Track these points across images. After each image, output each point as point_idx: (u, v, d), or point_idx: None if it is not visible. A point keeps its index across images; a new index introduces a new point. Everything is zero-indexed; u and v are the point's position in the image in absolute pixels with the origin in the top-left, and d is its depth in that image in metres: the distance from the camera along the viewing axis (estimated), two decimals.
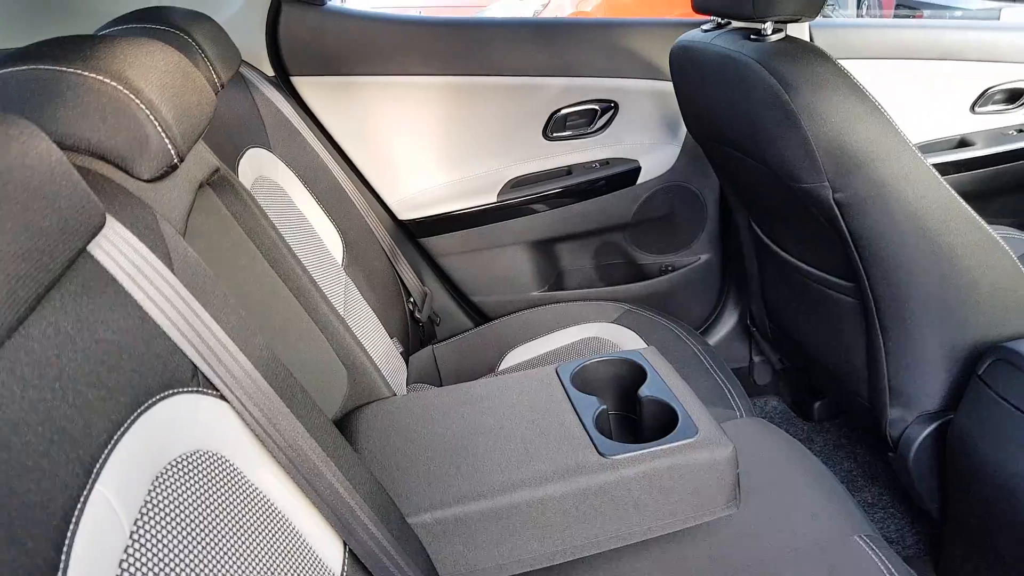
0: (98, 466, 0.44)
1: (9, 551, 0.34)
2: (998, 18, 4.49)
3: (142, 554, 0.45)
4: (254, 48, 1.52)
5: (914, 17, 5.33)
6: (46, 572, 0.36)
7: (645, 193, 1.74)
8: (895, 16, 5.78)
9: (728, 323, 1.87)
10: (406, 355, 1.48)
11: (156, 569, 0.46)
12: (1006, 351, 1.08)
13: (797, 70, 1.05)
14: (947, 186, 1.08)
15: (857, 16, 6.45)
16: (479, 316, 1.82)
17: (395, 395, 1.07)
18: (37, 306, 0.44)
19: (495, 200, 1.70)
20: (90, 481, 0.43)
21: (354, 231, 1.43)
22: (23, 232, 0.40)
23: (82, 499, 0.41)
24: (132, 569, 0.44)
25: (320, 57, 1.58)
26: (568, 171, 1.72)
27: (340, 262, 1.36)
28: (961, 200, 1.09)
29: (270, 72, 1.55)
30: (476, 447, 0.89)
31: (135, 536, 0.46)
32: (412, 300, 1.59)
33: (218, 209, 0.89)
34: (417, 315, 1.59)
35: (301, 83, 1.58)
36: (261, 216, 0.96)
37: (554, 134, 1.71)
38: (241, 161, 1.16)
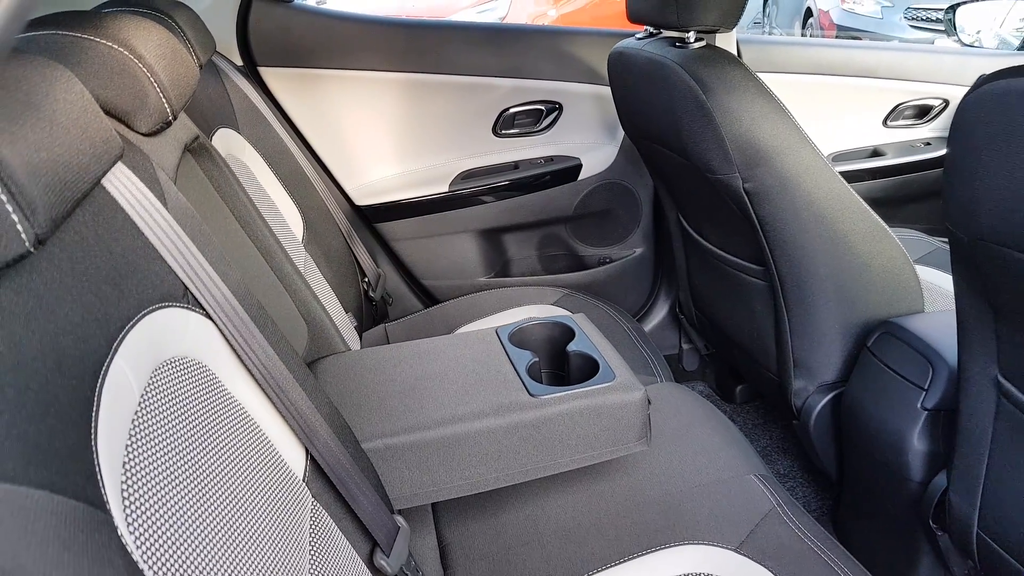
0: (115, 344, 0.55)
1: (62, 379, 0.45)
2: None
3: (146, 421, 0.56)
4: (225, 39, 1.62)
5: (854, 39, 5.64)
6: (85, 403, 0.47)
7: (586, 189, 1.89)
8: (836, 38, 6.09)
9: (660, 312, 2.02)
10: (360, 331, 1.58)
11: (155, 435, 0.56)
12: (892, 326, 1.24)
13: (713, 74, 1.20)
14: (842, 179, 1.24)
15: (802, 36, 6.77)
16: (429, 299, 1.93)
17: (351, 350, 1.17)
18: (72, 213, 0.55)
19: (447, 190, 1.82)
20: (110, 353, 0.53)
21: (314, 211, 1.54)
22: (69, 148, 0.51)
23: (106, 363, 0.52)
24: (138, 429, 0.55)
25: (286, 50, 1.68)
26: (515, 166, 1.86)
27: (300, 239, 1.47)
28: (854, 192, 1.25)
29: (239, 62, 1.65)
30: (422, 389, 1.01)
31: (141, 406, 0.56)
32: (367, 280, 1.70)
33: (197, 173, 1.00)
34: (371, 294, 1.70)
35: (268, 73, 1.69)
36: (235, 182, 1.06)
37: (503, 131, 1.84)
38: (213, 139, 1.26)
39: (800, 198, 1.22)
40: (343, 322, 1.38)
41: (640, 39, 1.45)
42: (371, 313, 1.71)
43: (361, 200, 1.80)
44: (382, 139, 1.79)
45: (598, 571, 0.93)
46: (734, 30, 1.60)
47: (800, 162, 1.21)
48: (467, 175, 1.83)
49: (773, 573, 0.90)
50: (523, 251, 1.96)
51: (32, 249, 0.44)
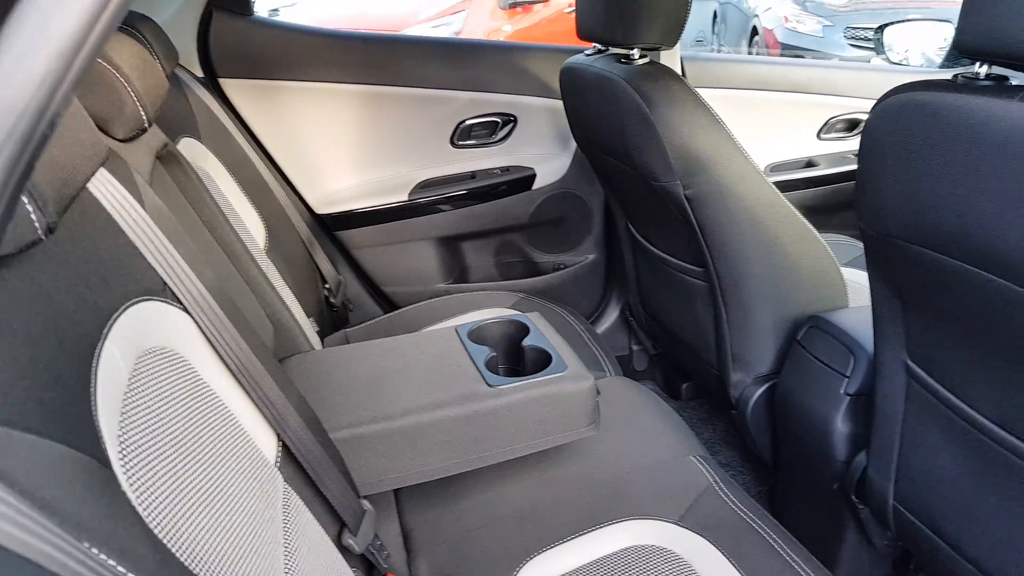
0: (105, 331, 0.60)
1: (64, 356, 0.51)
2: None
3: (135, 402, 0.62)
4: (186, 51, 1.67)
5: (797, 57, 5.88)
6: (85, 379, 0.53)
7: (540, 198, 1.97)
8: (781, 56, 6.33)
9: (611, 315, 2.11)
10: (321, 336, 1.63)
11: (143, 415, 0.62)
12: (819, 320, 1.34)
13: (656, 88, 1.30)
14: (773, 187, 1.34)
15: (748, 53, 7.02)
16: (389, 305, 1.99)
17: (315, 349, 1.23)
18: (67, 210, 0.60)
19: (406, 199, 1.89)
20: (102, 338, 0.59)
21: (275, 219, 1.59)
22: (66, 150, 0.57)
23: (99, 347, 0.58)
24: (128, 408, 0.60)
25: (247, 62, 1.74)
26: (472, 175, 1.93)
27: (263, 246, 1.52)
28: (784, 199, 1.35)
29: (200, 73, 1.69)
30: (386, 383, 1.07)
31: (129, 388, 0.62)
32: (328, 287, 1.75)
33: (167, 179, 1.05)
34: (332, 300, 1.75)
35: (228, 85, 1.74)
36: (202, 188, 1.12)
37: (460, 142, 1.92)
38: (178, 147, 1.31)
39: (735, 204, 1.32)
40: (306, 325, 1.44)
41: (589, 55, 1.55)
42: (332, 319, 1.76)
43: (321, 209, 1.85)
44: (342, 149, 1.85)
45: (551, 547, 1.01)
46: (677, 47, 1.71)
47: (735, 170, 1.31)
48: (425, 184, 1.90)
49: (710, 542, 0.98)
50: (480, 258, 2.04)
51: (44, 236, 0.50)
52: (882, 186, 0.88)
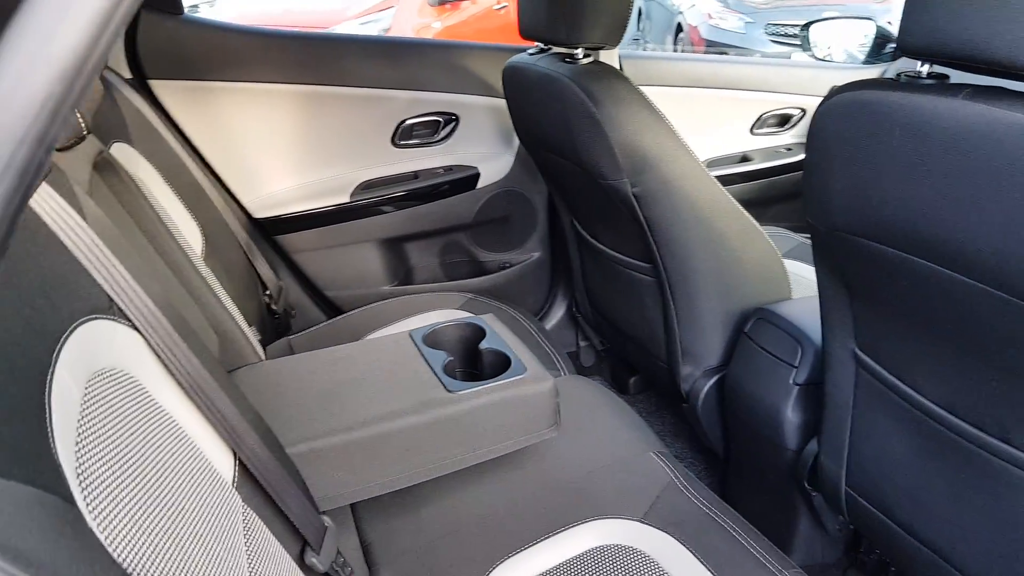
0: (55, 355, 0.56)
1: (16, 386, 0.47)
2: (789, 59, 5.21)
3: (88, 429, 0.58)
4: (113, 52, 1.59)
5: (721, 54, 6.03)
6: (40, 410, 0.49)
7: (484, 197, 1.96)
8: (705, 53, 6.48)
9: (558, 313, 2.12)
10: (263, 344, 1.58)
11: (97, 443, 0.58)
12: (765, 312, 1.37)
13: (601, 87, 1.30)
14: (717, 183, 1.36)
15: (674, 51, 7.16)
16: (333, 310, 1.95)
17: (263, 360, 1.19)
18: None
19: (347, 201, 1.85)
20: (51, 363, 0.55)
21: (212, 225, 1.53)
22: (7, 167, 0.53)
23: (50, 373, 0.54)
24: (83, 437, 0.57)
25: (177, 62, 1.66)
26: (415, 175, 1.91)
27: (200, 253, 1.46)
28: (728, 194, 1.38)
29: (128, 75, 1.62)
30: (341, 394, 1.04)
31: (81, 415, 0.58)
32: (268, 293, 1.70)
33: (103, 188, 0.99)
34: (273, 307, 1.70)
35: (158, 86, 1.66)
36: (140, 196, 1.06)
37: (401, 142, 1.89)
38: (111, 153, 1.25)
39: (681, 200, 1.33)
40: (250, 334, 1.39)
41: (532, 54, 1.54)
42: (274, 326, 1.71)
43: (259, 213, 1.80)
44: (279, 151, 1.80)
45: (518, 551, 1.00)
46: (617, 46, 1.72)
47: (680, 167, 1.33)
48: (367, 185, 1.87)
49: (675, 538, 0.99)
50: (425, 259, 2.02)
51: None
52: (829, 182, 0.90)
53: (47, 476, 0.44)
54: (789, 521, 1.35)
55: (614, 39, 1.38)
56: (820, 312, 1.08)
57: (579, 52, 1.39)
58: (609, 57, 1.84)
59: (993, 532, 0.90)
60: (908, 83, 0.81)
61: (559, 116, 1.40)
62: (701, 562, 0.96)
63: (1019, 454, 0.83)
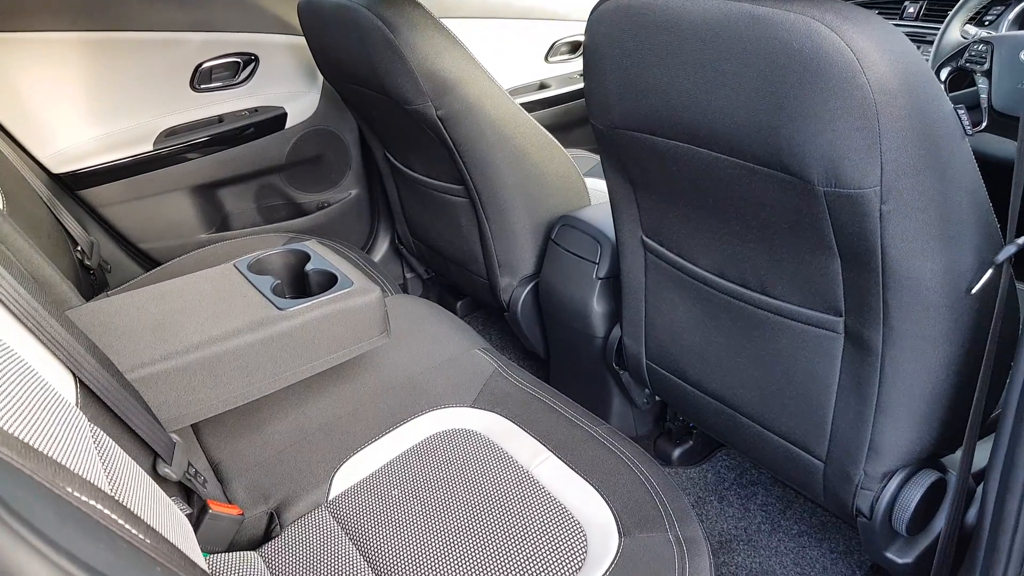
0: None
1: None
2: None
3: None
4: None
5: None
6: None
7: (294, 137, 1.96)
8: None
9: (382, 247, 2.18)
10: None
11: None
12: (568, 218, 1.52)
13: (397, 14, 1.36)
14: (516, 103, 1.47)
15: None
16: (150, 262, 1.89)
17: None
18: None
19: (151, 149, 1.78)
20: None
21: (11, 183, 1.44)
22: None
23: None
24: None
25: None
26: (220, 119, 1.87)
27: (1, 209, 1.37)
28: (526, 112, 1.49)
29: None
30: (172, 323, 1.06)
31: None
32: (80, 249, 1.63)
33: None
34: (87, 262, 1.63)
35: None
36: None
37: (201, 86, 1.84)
38: None
39: (484, 120, 1.43)
40: (68, 284, 1.34)
41: None
42: (89, 283, 1.65)
43: (58, 168, 1.70)
44: (71, 103, 1.70)
45: (361, 448, 1.08)
46: None
47: (480, 89, 1.42)
48: (170, 132, 1.81)
49: (502, 415, 1.12)
50: (241, 204, 1.99)
51: None
52: (605, 82, 1.02)
53: None
54: (604, 401, 1.53)
55: None
56: (611, 206, 1.23)
57: None
58: None
59: (763, 372, 1.09)
60: None
61: (358, 46, 1.44)
62: (526, 432, 1.09)
63: (777, 303, 1.01)
